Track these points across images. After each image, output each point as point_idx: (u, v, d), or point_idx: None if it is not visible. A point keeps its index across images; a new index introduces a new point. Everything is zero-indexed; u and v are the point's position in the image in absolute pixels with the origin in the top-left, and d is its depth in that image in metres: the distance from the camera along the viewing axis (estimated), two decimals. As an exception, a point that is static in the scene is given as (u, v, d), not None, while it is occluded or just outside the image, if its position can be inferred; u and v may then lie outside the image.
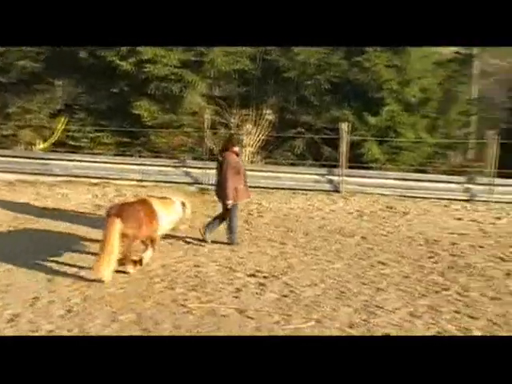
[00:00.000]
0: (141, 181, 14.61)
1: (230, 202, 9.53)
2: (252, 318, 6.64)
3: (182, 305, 7.02)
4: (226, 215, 9.79)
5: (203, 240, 9.68)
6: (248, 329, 6.34)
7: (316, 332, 6.26)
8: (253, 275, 8.21)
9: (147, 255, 8.55)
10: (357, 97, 15.97)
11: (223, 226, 9.83)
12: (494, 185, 13.84)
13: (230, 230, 9.76)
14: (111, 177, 14.62)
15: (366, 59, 15.51)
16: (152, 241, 8.57)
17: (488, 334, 6.30)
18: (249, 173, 14.46)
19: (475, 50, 18.02)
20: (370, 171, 15.15)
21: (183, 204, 9.16)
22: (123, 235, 7.80)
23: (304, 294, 7.49)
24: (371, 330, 6.34)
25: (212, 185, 14.23)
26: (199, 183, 14.52)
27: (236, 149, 9.89)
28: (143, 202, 8.55)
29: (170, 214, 8.84)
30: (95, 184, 14.20)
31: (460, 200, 13.70)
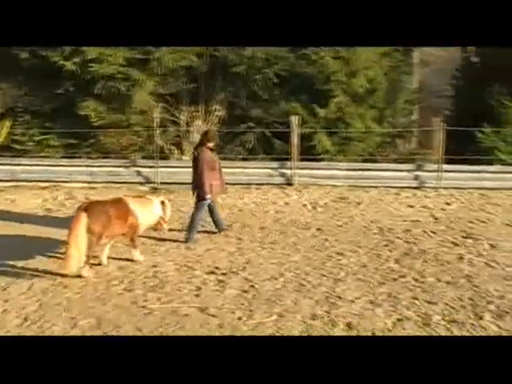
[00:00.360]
0: (91, 182, 14.37)
1: (208, 197, 9.63)
2: (214, 316, 6.60)
3: (143, 306, 6.93)
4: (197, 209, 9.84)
5: (161, 239, 9.60)
6: (211, 327, 6.30)
7: (279, 326, 6.26)
8: (212, 272, 8.17)
9: (136, 255, 8.66)
10: (305, 89, 16.04)
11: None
12: (442, 171, 14.11)
13: (192, 223, 9.78)
14: (60, 180, 14.33)
15: (313, 52, 15.57)
16: (131, 240, 8.64)
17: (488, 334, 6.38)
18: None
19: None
20: (322, 163, 15.26)
21: (162, 203, 9.07)
22: (89, 231, 7.78)
23: (264, 288, 7.50)
24: (334, 319, 6.38)
25: (164, 183, 14.23)
26: (151, 182, 14.36)
27: (211, 144, 9.90)
28: (117, 201, 8.60)
29: (149, 213, 8.76)
30: (44, 188, 13.89)
31: (410, 188, 13.94)
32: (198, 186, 9.74)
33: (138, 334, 6.12)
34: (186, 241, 9.64)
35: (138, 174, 14.59)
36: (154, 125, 14.98)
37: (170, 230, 9.47)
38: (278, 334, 6.04)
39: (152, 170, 14.35)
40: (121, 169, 14.65)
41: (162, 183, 14.20)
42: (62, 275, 7.77)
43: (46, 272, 8.04)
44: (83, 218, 7.79)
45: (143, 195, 9.47)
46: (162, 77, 15.92)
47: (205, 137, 10.06)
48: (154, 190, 13.69)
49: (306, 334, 6.02)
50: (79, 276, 7.80)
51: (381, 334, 6.00)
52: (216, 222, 10.11)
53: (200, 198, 9.73)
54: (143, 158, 15.38)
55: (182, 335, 5.98)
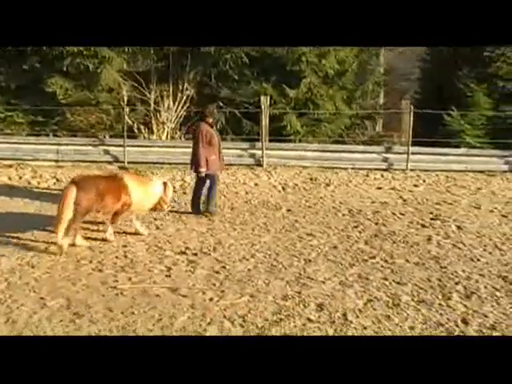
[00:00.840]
0: (58, 161, 14.16)
1: (202, 170, 9.74)
2: (185, 296, 6.57)
3: (113, 287, 6.86)
4: (199, 185, 10.05)
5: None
6: (182, 307, 6.28)
7: (251, 306, 6.27)
8: (182, 253, 8.13)
9: (108, 234, 8.63)
10: (276, 70, 16.02)
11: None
12: (410, 154, 14.26)
13: (207, 200, 9.99)
14: (26, 158, 14.09)
15: (284, 32, 15.51)
16: (114, 216, 8.63)
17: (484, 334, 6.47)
18: (169, 150, 14.47)
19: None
20: (291, 144, 15.30)
21: (164, 184, 9.08)
22: (76, 203, 7.91)
23: (235, 269, 7.49)
24: (305, 300, 6.42)
25: (132, 163, 14.10)
26: (119, 161, 14.22)
27: (210, 120, 9.96)
28: (112, 177, 8.73)
29: (146, 192, 8.77)
30: (9, 166, 13.63)
31: (379, 169, 14.06)
32: (193, 159, 9.90)
33: (109, 314, 6.06)
34: (209, 212, 9.97)
35: (106, 152, 14.44)
36: (123, 103, 14.80)
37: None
38: (251, 316, 6.05)
39: (120, 148, 14.19)
40: (89, 147, 14.47)
41: (130, 162, 14.07)
42: (31, 253, 7.71)
43: (13, 249, 7.94)
44: (72, 192, 7.93)
45: (144, 175, 9.48)
46: (131, 54, 15.73)
47: (202, 113, 10.14)
48: (124, 169, 13.55)
49: (279, 317, 6.03)
50: (53, 254, 7.75)
51: (352, 315, 6.05)
52: (208, 201, 10.09)
53: (195, 172, 9.95)
54: (111, 136, 15.22)
55: (179, 335, 5.92)
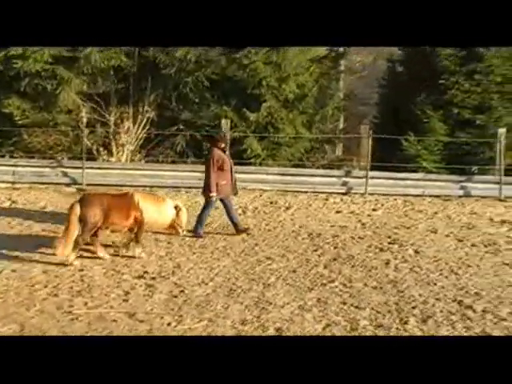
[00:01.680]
0: (14, 183, 13.89)
1: (213, 195, 9.94)
2: (142, 321, 6.50)
3: (68, 312, 6.74)
4: (207, 208, 10.24)
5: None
6: (139, 332, 6.19)
7: (209, 331, 6.22)
8: (140, 277, 8.05)
9: (137, 252, 8.86)
10: (236, 93, 16.09)
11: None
12: (369, 178, 14.42)
13: (198, 219, 10.16)
14: (-19, 179, 13.79)
15: (244, 56, 15.63)
16: (135, 235, 8.87)
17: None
18: (129, 172, 14.34)
19: (342, 48, 18.63)
20: (252, 167, 15.32)
21: (176, 207, 9.28)
22: (80, 219, 8.33)
23: (194, 293, 7.44)
24: (264, 325, 6.40)
25: (91, 185, 13.92)
26: (77, 183, 14.02)
27: (222, 145, 10.16)
28: (122, 194, 9.24)
29: (160, 212, 9.03)
30: (-36, 187, 13.33)
31: (338, 193, 14.16)
32: (204, 184, 10.14)
33: (64, 340, 5.93)
34: (194, 235, 10.00)
35: (64, 174, 14.21)
36: (82, 125, 14.65)
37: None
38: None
39: (79, 170, 14.00)
40: (46, 169, 14.23)
41: (88, 184, 13.88)
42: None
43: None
44: (76, 208, 8.40)
45: (160, 195, 9.95)
46: (91, 76, 15.60)
47: (214, 138, 10.53)
48: (82, 191, 13.37)
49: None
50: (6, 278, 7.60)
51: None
52: (233, 223, 10.30)
53: (206, 196, 10.14)
54: (70, 158, 15.03)
55: (178, 336, 5.84)
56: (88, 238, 8.59)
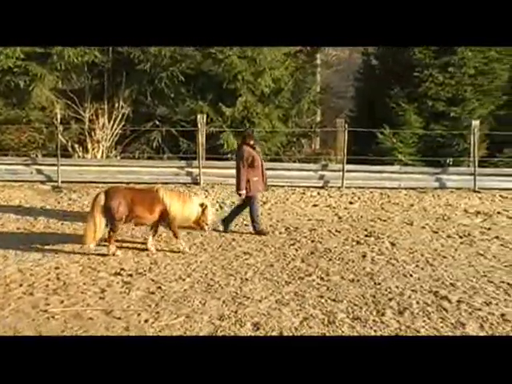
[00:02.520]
0: (-13, 180, 13.74)
1: (242, 193, 9.97)
2: (119, 319, 6.44)
3: (44, 310, 6.67)
4: (242, 206, 10.32)
5: (64, 241, 9.31)
6: (116, 330, 6.15)
7: (187, 327, 6.20)
8: (117, 274, 7.99)
9: (180, 246, 9.12)
10: (212, 88, 16.06)
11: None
12: (345, 171, 14.48)
13: (252, 220, 10.18)
14: (-47, 177, 13.62)
15: (219, 50, 15.59)
16: (172, 230, 9.11)
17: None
18: (105, 169, 14.25)
19: (318, 42, 18.66)
20: (228, 162, 15.30)
21: (202, 205, 9.25)
22: (105, 210, 8.55)
23: (171, 289, 7.40)
24: (241, 320, 6.39)
25: (66, 182, 13.80)
26: (52, 181, 13.89)
27: (251, 142, 10.14)
28: (146, 189, 9.53)
29: (185, 207, 9.03)
30: None
31: (315, 187, 14.21)
32: (236, 182, 10.14)
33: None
34: (258, 233, 10.12)
35: (39, 172, 14.10)
36: (56, 121, 14.51)
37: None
38: (186, 334, 5.98)
39: (54, 168, 13.87)
40: (20, 166, 14.09)
41: (64, 182, 13.77)
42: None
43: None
44: (100, 198, 8.64)
45: (186, 193, 10.06)
46: (64, 72, 15.45)
47: (243, 136, 10.47)
48: (57, 188, 13.27)
49: (215, 335, 5.99)
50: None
51: (288, 333, 6.06)
52: (253, 222, 10.24)
53: (236, 192, 10.22)
54: (44, 155, 14.88)
55: (178, 336, 5.79)
56: (118, 229, 8.87)
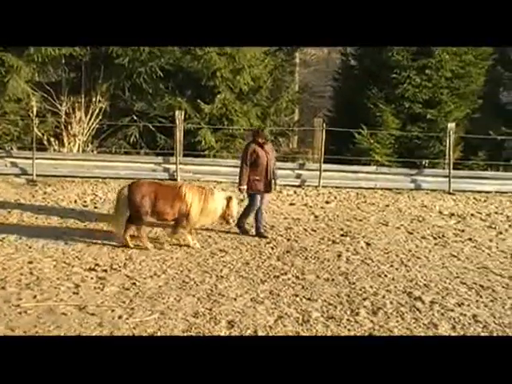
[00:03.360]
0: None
1: (242, 188, 9.81)
2: (93, 314, 6.40)
3: (16, 305, 6.59)
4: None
5: (38, 235, 9.20)
6: (89, 325, 6.11)
7: (161, 324, 6.18)
8: (91, 269, 7.93)
9: (190, 241, 9.14)
10: (190, 85, 16.02)
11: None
12: (322, 171, 14.53)
13: (241, 215, 10.02)
14: None
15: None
16: (186, 226, 9.10)
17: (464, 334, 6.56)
18: (81, 163, 14.12)
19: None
20: (205, 159, 15.30)
21: (227, 198, 9.22)
22: (130, 203, 8.71)
23: (146, 285, 7.37)
24: (216, 317, 6.39)
25: (41, 176, 13.65)
26: (27, 174, 13.72)
27: (260, 140, 9.78)
28: (170, 185, 9.76)
29: (207, 204, 9.02)
30: None
31: (292, 186, 14.23)
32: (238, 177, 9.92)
33: (11, 334, 5.81)
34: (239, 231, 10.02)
35: (14, 165, 13.90)
36: (32, 114, 14.34)
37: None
38: (160, 334, 5.96)
39: (29, 161, 13.69)
40: (-6, 159, 13.89)
41: (39, 175, 13.61)
42: None
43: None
44: (124, 191, 8.84)
45: (209, 188, 9.70)
46: (41, 64, 15.27)
47: (252, 133, 10.32)
48: (32, 182, 13.13)
49: (189, 335, 5.98)
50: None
51: (262, 331, 6.08)
52: (256, 223, 10.04)
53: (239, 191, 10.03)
54: (19, 148, 14.69)
55: (177, 335, 5.75)
56: (141, 224, 8.94)
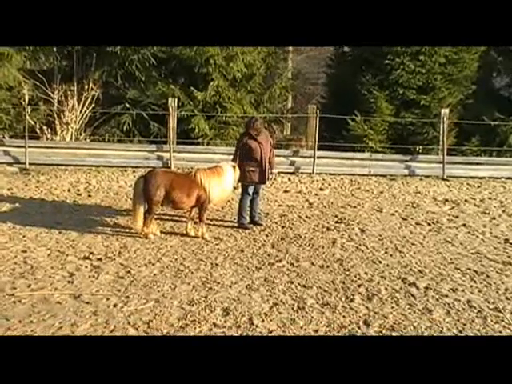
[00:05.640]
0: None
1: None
2: (88, 303, 6.39)
3: (10, 294, 6.57)
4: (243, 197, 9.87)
5: (30, 224, 9.16)
6: (84, 314, 6.10)
7: (156, 312, 6.17)
8: (86, 258, 7.91)
9: (200, 231, 9.11)
10: (183, 72, 15.94)
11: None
12: (316, 157, 14.53)
13: (251, 209, 9.91)
14: None
15: (191, 34, 15.44)
16: (199, 214, 9.12)
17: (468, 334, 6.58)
18: (74, 151, 14.06)
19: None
20: (199, 146, 15.26)
21: (234, 167, 9.27)
22: (145, 195, 8.68)
23: (141, 274, 7.36)
24: (211, 305, 6.39)
25: (34, 164, 13.59)
26: (20, 163, 13.66)
27: (252, 132, 9.50)
28: (184, 174, 9.70)
29: (222, 182, 9.05)
30: None
31: (286, 173, 14.23)
32: None
33: (5, 323, 5.79)
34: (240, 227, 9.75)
35: (6, 153, 13.84)
36: (24, 102, 14.25)
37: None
38: (155, 322, 5.95)
39: (21, 149, 13.63)
40: (-14, 148, 13.82)
41: (31, 164, 13.56)
42: None
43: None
44: (139, 183, 8.78)
45: (218, 165, 9.41)
46: (32, 52, 15.16)
47: (245, 125, 9.95)
48: (25, 171, 13.07)
49: (184, 323, 5.97)
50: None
51: (257, 318, 6.08)
52: (251, 213, 9.92)
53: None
54: (11, 137, 14.61)
55: (176, 335, 5.73)
56: (153, 212, 8.88)
